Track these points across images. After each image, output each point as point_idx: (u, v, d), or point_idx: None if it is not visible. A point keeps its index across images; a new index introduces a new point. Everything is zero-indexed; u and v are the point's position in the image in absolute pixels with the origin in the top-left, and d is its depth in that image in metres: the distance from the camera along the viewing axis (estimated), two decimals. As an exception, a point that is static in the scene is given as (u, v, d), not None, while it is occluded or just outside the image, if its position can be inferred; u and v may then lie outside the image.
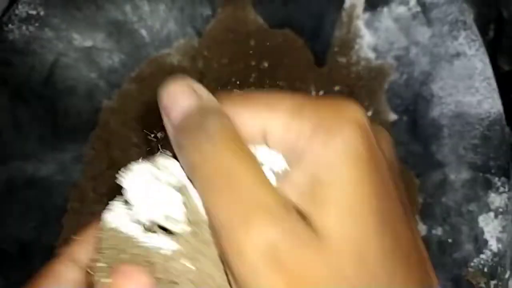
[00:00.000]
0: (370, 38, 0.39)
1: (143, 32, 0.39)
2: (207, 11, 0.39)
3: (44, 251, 0.39)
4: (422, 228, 0.40)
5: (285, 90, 0.39)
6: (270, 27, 0.39)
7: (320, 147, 0.13)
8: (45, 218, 0.39)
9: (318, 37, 0.39)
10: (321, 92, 0.40)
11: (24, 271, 0.39)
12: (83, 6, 0.38)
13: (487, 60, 0.38)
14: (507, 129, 0.38)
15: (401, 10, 0.38)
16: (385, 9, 0.38)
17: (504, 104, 0.38)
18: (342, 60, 0.39)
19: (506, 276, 0.39)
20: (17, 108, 0.38)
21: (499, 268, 0.39)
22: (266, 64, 0.39)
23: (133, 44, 0.39)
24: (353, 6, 0.39)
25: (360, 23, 0.39)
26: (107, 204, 0.19)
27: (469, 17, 0.38)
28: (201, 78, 0.39)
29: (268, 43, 0.39)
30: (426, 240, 0.40)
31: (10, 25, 0.37)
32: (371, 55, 0.39)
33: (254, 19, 0.39)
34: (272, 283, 0.12)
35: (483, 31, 0.40)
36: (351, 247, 0.13)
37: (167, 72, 0.39)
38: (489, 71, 0.38)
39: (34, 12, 0.37)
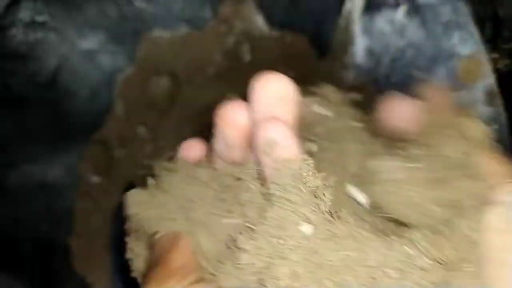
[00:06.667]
0: (366, 40, 0.39)
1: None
2: (208, 13, 0.39)
3: (58, 251, 0.40)
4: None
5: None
6: (271, 30, 0.39)
7: None
8: (56, 219, 0.40)
9: (317, 40, 0.40)
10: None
11: (39, 271, 0.40)
12: (85, 9, 0.38)
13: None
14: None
15: (396, 12, 0.39)
16: (381, 12, 0.39)
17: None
18: (340, 62, 0.40)
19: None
20: (22, 113, 0.39)
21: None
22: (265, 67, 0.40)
23: (136, 46, 0.39)
24: (350, 10, 0.39)
25: (356, 27, 0.39)
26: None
27: (464, 17, 0.38)
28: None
29: (267, 45, 0.39)
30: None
31: (13, 30, 0.37)
32: (368, 57, 0.40)
33: (255, 21, 0.39)
34: None
35: (479, 31, 0.40)
36: None
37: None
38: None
39: (37, 17, 0.37)
